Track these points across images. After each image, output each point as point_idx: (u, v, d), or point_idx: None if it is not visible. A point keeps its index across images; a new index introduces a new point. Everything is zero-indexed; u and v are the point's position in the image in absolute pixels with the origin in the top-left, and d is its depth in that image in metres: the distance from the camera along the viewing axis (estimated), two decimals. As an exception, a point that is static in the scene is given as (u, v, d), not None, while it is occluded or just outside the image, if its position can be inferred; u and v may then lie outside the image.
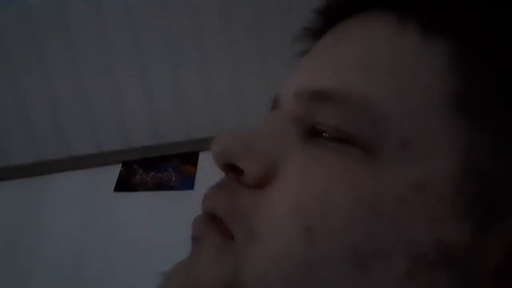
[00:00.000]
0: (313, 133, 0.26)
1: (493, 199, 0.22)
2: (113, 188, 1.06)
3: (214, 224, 0.26)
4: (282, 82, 0.29)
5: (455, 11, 0.25)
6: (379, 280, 0.23)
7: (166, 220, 0.94)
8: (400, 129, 0.23)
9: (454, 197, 0.22)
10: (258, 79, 1.06)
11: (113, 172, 1.10)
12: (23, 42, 1.00)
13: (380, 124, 0.24)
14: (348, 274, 0.23)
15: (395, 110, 0.24)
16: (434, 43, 0.24)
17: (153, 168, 1.10)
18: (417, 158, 0.23)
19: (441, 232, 0.22)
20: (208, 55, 1.05)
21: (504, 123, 0.23)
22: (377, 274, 0.22)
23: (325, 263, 0.23)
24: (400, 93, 0.24)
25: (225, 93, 1.08)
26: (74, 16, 0.99)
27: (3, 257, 0.95)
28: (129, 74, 1.05)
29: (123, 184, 1.07)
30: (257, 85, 1.06)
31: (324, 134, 0.25)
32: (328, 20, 0.30)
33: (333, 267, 0.23)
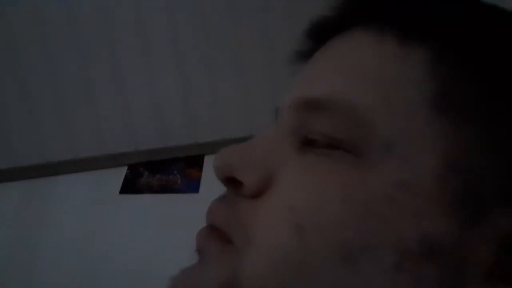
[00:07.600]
0: (307, 143, 0.27)
1: (479, 194, 0.24)
2: (119, 190, 1.07)
3: (215, 233, 0.28)
4: (283, 93, 0.30)
5: (426, 20, 0.27)
6: (368, 275, 0.24)
7: (171, 223, 0.94)
8: (385, 132, 0.25)
9: (439, 193, 0.24)
10: (264, 83, 1.07)
11: (119, 174, 1.10)
12: (31, 43, 1.01)
13: (365, 129, 0.25)
14: (338, 269, 0.24)
15: (379, 114, 0.25)
16: (411, 50, 0.26)
17: (159, 171, 1.11)
18: (401, 158, 0.24)
19: (427, 227, 0.23)
20: (215, 59, 1.05)
21: (483, 120, 0.24)
22: (366, 268, 0.24)
23: (315, 259, 0.24)
24: (384, 98, 0.26)
25: (231, 97, 1.09)
26: (83, 20, 1.00)
27: (9, 257, 0.96)
28: (136, 78, 1.06)
29: (129, 187, 1.08)
30: (263, 90, 1.07)
31: (316, 142, 0.26)
32: (316, 41, 0.32)
33: (323, 263, 0.24)
